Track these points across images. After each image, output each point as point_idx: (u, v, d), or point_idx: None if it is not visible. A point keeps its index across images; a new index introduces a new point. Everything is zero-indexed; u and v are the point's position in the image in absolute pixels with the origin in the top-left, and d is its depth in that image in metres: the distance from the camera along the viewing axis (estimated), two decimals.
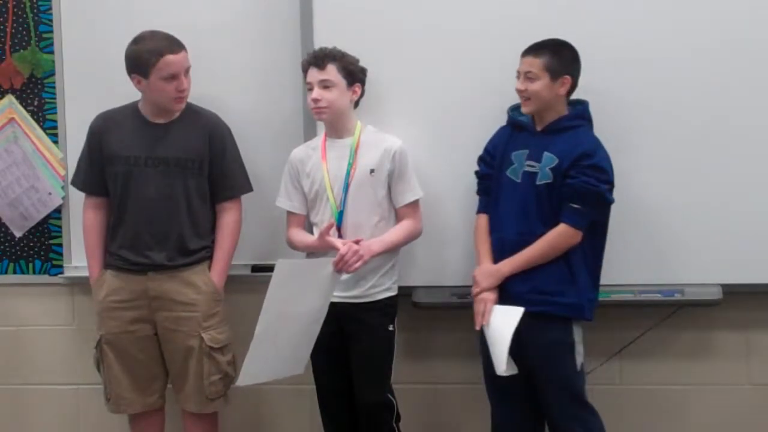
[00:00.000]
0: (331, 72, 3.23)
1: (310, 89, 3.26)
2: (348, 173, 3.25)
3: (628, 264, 3.40)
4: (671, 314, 3.49)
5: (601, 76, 3.31)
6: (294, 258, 3.35)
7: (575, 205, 3.05)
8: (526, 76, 3.11)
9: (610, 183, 3.10)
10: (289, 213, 3.38)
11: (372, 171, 3.25)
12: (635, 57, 3.36)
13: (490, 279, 3.11)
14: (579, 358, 3.13)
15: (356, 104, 3.33)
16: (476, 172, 3.30)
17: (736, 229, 3.38)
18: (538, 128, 3.17)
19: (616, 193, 3.13)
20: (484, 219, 3.25)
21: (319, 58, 3.25)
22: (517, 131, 3.21)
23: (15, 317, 3.83)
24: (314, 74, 3.24)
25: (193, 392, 3.33)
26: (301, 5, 3.51)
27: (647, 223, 3.40)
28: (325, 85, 3.23)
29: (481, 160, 3.29)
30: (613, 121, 3.34)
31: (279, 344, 3.11)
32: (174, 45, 3.25)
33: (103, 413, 3.48)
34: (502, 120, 3.28)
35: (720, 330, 3.57)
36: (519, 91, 3.14)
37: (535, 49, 3.12)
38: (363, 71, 3.31)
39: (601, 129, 3.25)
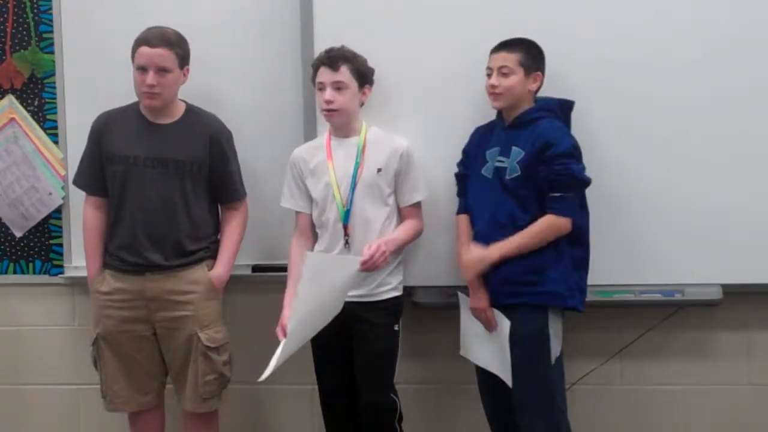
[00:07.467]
0: (345, 73, 3.20)
1: (321, 89, 3.22)
2: (355, 172, 3.25)
3: (628, 264, 3.40)
4: (671, 314, 3.49)
5: (602, 76, 3.34)
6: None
7: (556, 194, 3.04)
8: (500, 71, 3.13)
9: (580, 164, 3.08)
10: (297, 213, 3.37)
11: (379, 170, 3.25)
12: (631, 56, 3.36)
13: (479, 265, 3.09)
14: (554, 351, 3.09)
15: (361, 104, 3.32)
16: (455, 174, 3.33)
17: (736, 229, 3.38)
18: (506, 124, 3.19)
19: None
20: (464, 218, 3.26)
21: (332, 59, 3.21)
22: (489, 131, 3.23)
23: (15, 317, 3.83)
24: (327, 75, 3.21)
25: (190, 391, 3.32)
26: (301, 5, 3.51)
27: (647, 223, 3.39)
28: (338, 86, 3.20)
29: (460, 162, 3.32)
30: (612, 120, 3.35)
31: (298, 339, 3.12)
32: (157, 40, 3.22)
33: (103, 413, 3.47)
34: None
35: (720, 330, 3.57)
36: (491, 87, 3.15)
37: (507, 45, 3.15)
38: (372, 72, 3.30)
39: (600, 128, 3.25)
